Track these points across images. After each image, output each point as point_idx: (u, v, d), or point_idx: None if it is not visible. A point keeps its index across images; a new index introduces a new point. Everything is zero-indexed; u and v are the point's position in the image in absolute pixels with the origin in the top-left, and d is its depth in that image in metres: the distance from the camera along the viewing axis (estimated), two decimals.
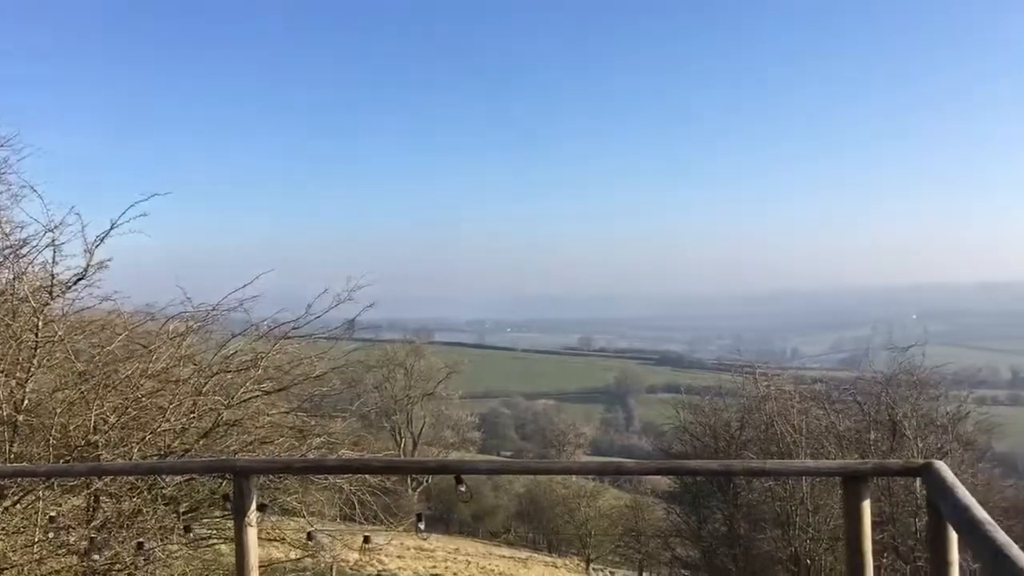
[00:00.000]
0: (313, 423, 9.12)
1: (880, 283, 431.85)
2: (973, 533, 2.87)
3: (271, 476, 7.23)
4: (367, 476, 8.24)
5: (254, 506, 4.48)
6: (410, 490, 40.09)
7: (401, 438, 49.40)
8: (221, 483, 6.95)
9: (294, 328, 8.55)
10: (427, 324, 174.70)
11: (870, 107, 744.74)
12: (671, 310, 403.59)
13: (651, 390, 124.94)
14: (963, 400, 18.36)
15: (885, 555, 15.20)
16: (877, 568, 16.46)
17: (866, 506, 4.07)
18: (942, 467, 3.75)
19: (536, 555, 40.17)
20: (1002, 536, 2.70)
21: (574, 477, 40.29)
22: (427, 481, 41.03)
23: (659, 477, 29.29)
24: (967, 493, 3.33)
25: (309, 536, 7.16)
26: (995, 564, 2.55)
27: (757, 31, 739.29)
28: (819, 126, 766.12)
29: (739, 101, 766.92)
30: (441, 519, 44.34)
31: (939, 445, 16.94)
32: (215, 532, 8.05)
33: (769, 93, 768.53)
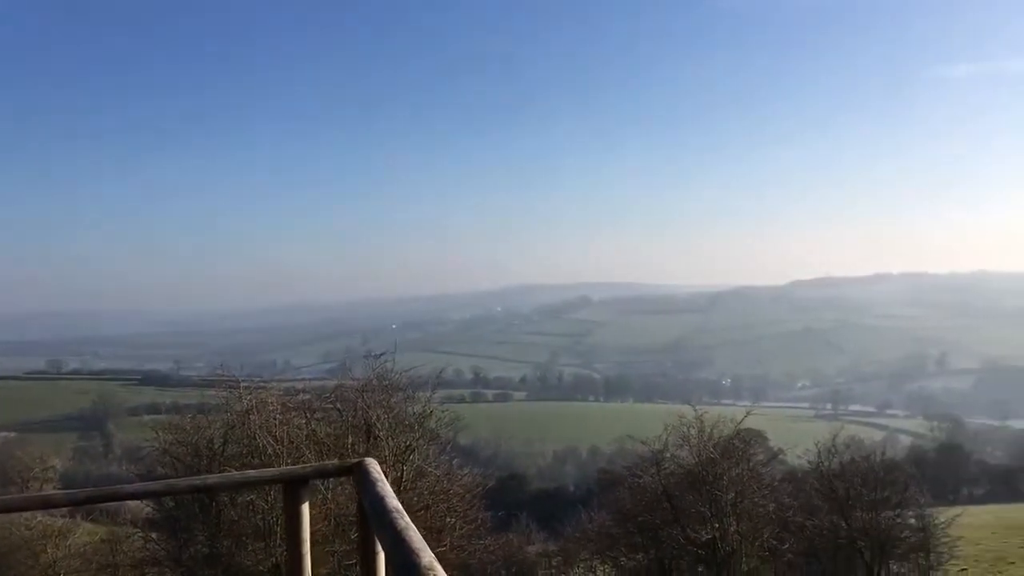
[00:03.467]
0: None
1: (369, 296, 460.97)
2: (382, 522, 3.14)
3: None
4: None
5: None
6: None
7: None
8: None
9: None
10: None
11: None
12: (159, 327, 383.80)
13: (134, 412, 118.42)
14: (428, 400, 20.12)
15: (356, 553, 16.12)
16: (342, 566, 17.12)
17: (305, 507, 4.23)
18: (371, 464, 4.05)
19: None
20: (403, 522, 2.98)
21: (39, 515, 35.94)
22: None
23: (139, 504, 27.48)
24: (387, 486, 3.64)
25: None
26: (393, 547, 2.81)
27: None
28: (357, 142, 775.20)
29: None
30: None
31: (408, 443, 18.43)
32: None
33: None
